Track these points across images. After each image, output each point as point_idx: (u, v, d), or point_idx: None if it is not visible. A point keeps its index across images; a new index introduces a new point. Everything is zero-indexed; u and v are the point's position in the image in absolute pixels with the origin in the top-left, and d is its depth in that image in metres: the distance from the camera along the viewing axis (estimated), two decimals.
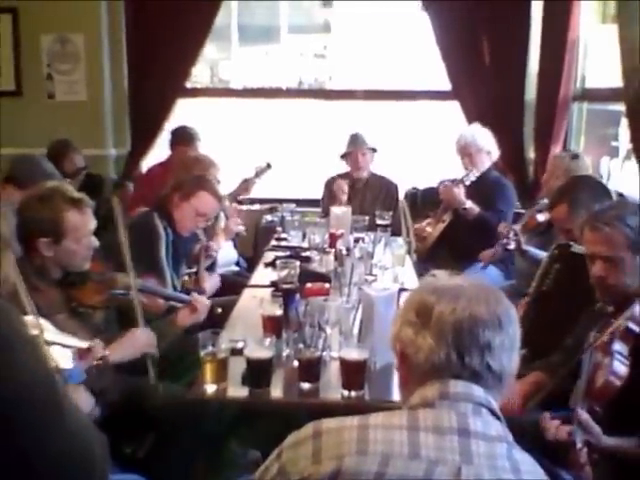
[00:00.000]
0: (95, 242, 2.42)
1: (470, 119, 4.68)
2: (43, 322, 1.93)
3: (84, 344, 2.00)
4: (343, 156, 4.47)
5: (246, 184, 4.30)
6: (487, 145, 4.12)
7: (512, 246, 3.35)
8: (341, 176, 4.50)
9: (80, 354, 1.96)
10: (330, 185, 4.50)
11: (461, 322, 1.19)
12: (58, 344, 1.88)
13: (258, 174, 4.32)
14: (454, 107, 4.91)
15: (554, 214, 2.91)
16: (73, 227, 2.31)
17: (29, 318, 1.77)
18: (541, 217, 3.46)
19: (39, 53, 4.90)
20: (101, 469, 0.84)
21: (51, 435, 0.75)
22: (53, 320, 2.10)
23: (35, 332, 1.71)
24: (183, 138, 4.41)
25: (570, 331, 2.25)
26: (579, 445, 1.79)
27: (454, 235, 3.97)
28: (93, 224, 2.40)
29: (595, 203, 2.47)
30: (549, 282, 2.59)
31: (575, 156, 3.77)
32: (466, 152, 4.09)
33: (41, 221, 2.26)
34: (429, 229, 4.11)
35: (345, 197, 4.34)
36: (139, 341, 2.32)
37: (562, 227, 2.83)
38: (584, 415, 1.84)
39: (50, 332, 1.94)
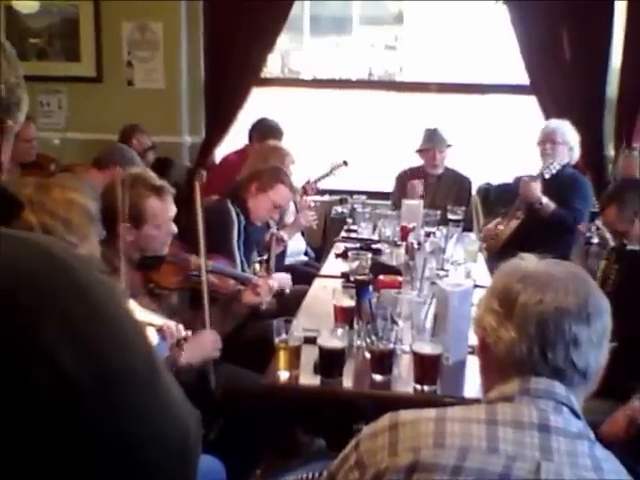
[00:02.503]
0: (174, 228, 2.47)
1: (548, 114, 4.57)
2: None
3: (168, 322, 2.03)
4: (419, 151, 4.42)
5: (318, 179, 4.33)
6: (572, 141, 4.01)
7: (596, 239, 3.26)
8: (413, 170, 4.45)
9: (163, 332, 1.99)
10: (401, 179, 4.46)
11: (546, 315, 1.15)
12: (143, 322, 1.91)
13: (333, 170, 4.33)
14: (530, 102, 4.80)
15: (604, 217, 2.92)
16: (153, 214, 2.38)
17: None
18: None
19: (120, 40, 5.01)
20: (196, 446, 0.82)
21: (155, 416, 0.74)
22: (133, 301, 2.16)
23: None
24: (262, 130, 4.39)
25: None
26: None
27: (528, 233, 3.86)
28: (173, 211, 2.45)
29: None
30: (611, 284, 2.54)
31: None
32: (551, 138, 3.97)
33: (122, 206, 2.32)
34: (501, 227, 4.02)
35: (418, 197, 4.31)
36: (207, 345, 2.31)
37: (613, 229, 2.85)
38: None
39: (135, 310, 1.98)
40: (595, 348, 1.17)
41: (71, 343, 0.66)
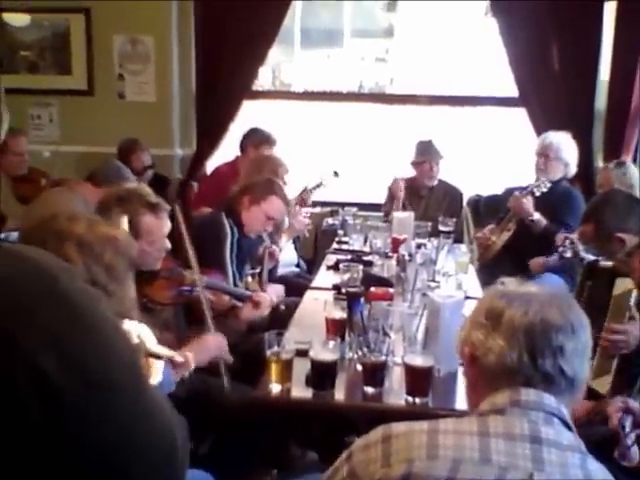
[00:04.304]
0: (168, 245, 2.46)
1: (537, 126, 4.59)
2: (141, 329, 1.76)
3: (176, 355, 1.97)
4: (414, 163, 4.44)
5: (309, 191, 4.34)
6: (568, 157, 4.01)
7: (569, 254, 3.26)
8: (406, 181, 4.47)
9: (174, 364, 1.94)
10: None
11: (533, 325, 1.19)
12: (153, 354, 1.76)
13: (323, 180, 4.35)
14: (519, 114, 4.83)
15: (582, 232, 2.89)
16: (148, 230, 2.36)
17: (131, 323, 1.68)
18: None
19: (111, 53, 5.00)
20: (183, 454, 0.82)
21: (141, 424, 0.74)
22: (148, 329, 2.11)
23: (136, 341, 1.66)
24: (255, 140, 4.40)
25: None
26: (627, 429, 1.86)
27: (519, 245, 3.88)
28: (168, 227, 2.45)
29: (620, 221, 2.63)
30: (584, 300, 2.56)
31: (619, 164, 3.74)
32: (545, 153, 3.97)
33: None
34: (494, 238, 4.04)
35: (402, 194, 4.32)
36: (211, 347, 2.33)
37: (593, 244, 2.85)
38: (632, 402, 1.93)
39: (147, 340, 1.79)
40: (580, 357, 1.21)
41: (55, 351, 0.66)
